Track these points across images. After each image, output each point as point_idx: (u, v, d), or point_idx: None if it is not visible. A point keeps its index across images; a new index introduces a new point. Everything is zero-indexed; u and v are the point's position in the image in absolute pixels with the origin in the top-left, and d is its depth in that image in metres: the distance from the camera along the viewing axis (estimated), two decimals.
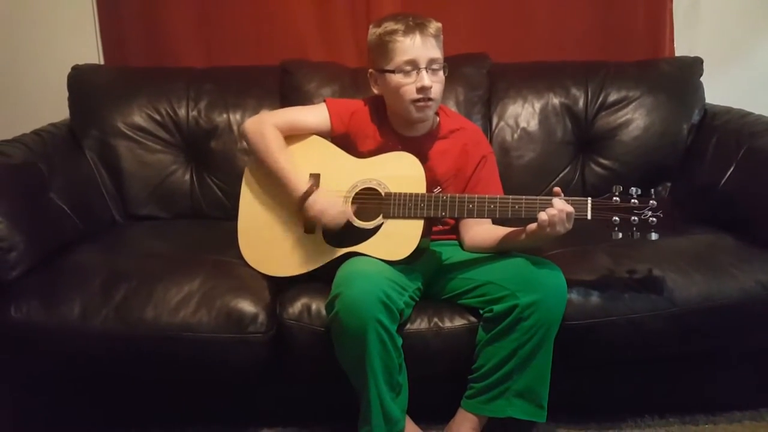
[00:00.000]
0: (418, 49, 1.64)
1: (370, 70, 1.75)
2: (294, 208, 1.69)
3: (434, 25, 1.68)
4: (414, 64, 1.65)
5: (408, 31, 1.64)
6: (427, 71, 1.65)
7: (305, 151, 1.76)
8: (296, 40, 2.38)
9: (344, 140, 1.78)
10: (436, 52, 1.67)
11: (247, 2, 2.36)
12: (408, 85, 1.66)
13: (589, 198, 1.55)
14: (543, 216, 1.52)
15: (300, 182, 1.68)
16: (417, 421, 1.67)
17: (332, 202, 1.67)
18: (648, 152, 2.15)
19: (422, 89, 1.65)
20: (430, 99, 1.67)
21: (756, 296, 1.65)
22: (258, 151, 1.75)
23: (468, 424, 1.64)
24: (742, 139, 1.94)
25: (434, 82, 1.66)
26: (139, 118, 2.17)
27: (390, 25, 1.67)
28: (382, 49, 1.68)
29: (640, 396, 1.81)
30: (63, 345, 1.61)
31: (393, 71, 1.66)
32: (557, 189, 1.56)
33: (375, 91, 1.76)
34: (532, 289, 1.54)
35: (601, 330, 1.63)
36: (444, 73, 1.70)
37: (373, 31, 1.71)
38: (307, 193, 1.65)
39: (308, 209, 1.66)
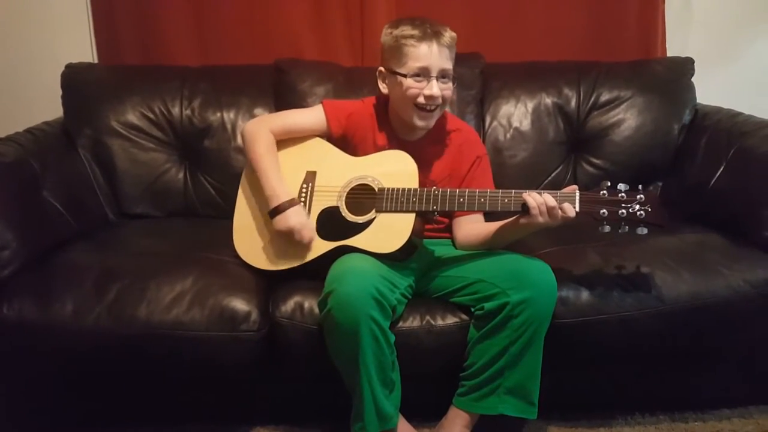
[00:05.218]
0: (433, 57, 1.65)
1: (380, 68, 1.75)
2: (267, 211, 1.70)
3: (450, 35, 1.68)
4: (426, 72, 1.65)
5: (424, 38, 1.64)
6: (437, 80, 1.66)
7: (302, 148, 1.78)
8: (290, 39, 2.38)
9: (342, 142, 1.79)
10: (449, 63, 1.68)
11: (242, 1, 2.36)
12: (416, 90, 1.66)
13: (577, 191, 1.56)
14: (531, 201, 1.53)
15: (277, 189, 1.68)
16: (409, 418, 1.68)
17: (303, 223, 1.66)
18: (639, 152, 2.16)
19: (430, 98, 1.66)
20: (434, 107, 1.69)
21: (744, 295, 1.67)
22: (247, 152, 1.78)
23: (460, 422, 1.65)
24: (732, 138, 1.96)
25: (442, 91, 1.67)
26: (132, 117, 2.16)
27: (407, 29, 1.66)
28: (396, 51, 1.68)
29: (630, 393, 1.83)
30: (56, 343, 1.61)
31: (404, 75, 1.66)
32: (574, 186, 1.57)
33: (382, 89, 1.76)
34: (523, 286, 1.55)
35: (591, 328, 1.64)
36: (453, 83, 1.71)
37: (389, 32, 1.70)
38: (282, 207, 1.65)
39: (278, 222, 1.66)
